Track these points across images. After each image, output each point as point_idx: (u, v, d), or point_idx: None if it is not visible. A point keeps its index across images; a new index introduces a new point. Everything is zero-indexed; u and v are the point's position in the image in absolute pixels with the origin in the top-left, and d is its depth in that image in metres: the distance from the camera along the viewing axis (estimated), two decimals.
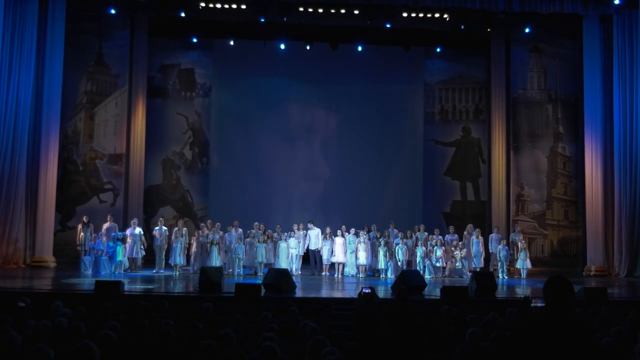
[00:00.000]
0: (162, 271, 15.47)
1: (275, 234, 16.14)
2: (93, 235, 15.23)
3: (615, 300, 11.21)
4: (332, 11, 17.32)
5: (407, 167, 19.96)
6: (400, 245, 15.88)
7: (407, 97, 20.15)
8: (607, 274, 16.57)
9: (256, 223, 16.63)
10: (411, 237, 16.36)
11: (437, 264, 15.87)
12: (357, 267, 15.99)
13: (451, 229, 17.06)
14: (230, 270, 15.57)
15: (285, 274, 12.25)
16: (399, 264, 15.67)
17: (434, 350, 6.39)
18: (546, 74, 18.50)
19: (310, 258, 16.43)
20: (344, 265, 16.10)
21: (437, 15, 17.63)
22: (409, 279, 11.87)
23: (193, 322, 6.28)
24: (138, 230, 15.63)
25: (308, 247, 16.32)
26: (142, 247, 15.65)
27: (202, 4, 17.22)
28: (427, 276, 14.95)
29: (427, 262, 15.82)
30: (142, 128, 18.25)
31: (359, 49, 19.38)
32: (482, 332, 6.04)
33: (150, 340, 5.37)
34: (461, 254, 15.98)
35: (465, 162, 20.18)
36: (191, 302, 9.96)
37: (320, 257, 16.26)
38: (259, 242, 15.76)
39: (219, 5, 17.20)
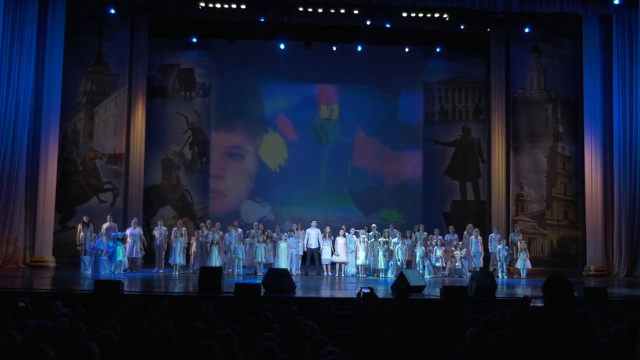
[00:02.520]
0: (161, 271, 15.48)
1: (274, 234, 16.14)
2: (93, 235, 15.22)
3: (615, 300, 11.22)
4: (332, 11, 17.31)
5: (406, 166, 19.97)
6: (399, 245, 15.88)
7: (406, 97, 20.15)
8: (606, 274, 16.59)
9: (256, 223, 16.67)
10: (411, 237, 16.37)
11: (437, 264, 15.87)
12: (357, 267, 16.01)
13: (451, 228, 17.07)
14: (230, 270, 15.56)
15: (285, 273, 12.24)
16: (398, 263, 15.67)
17: (434, 350, 6.39)
18: (546, 74, 18.50)
19: (307, 257, 16.44)
20: (345, 265, 16.13)
21: (436, 15, 17.61)
22: (408, 279, 11.87)
23: (193, 322, 6.27)
24: (138, 230, 15.63)
25: (306, 246, 16.33)
26: (142, 247, 15.66)
27: (202, 4, 17.21)
28: (426, 276, 14.97)
29: (427, 262, 15.83)
30: (142, 128, 18.25)
31: (359, 48, 19.40)
32: (482, 332, 6.04)
33: (150, 340, 5.36)
34: (461, 253, 15.98)
35: (465, 162, 20.18)
36: (191, 302, 9.96)
37: (319, 256, 16.27)
38: (258, 242, 15.76)
39: (218, 5, 17.19)
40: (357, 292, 9.89)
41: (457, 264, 15.97)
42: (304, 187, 19.55)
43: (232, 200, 19.58)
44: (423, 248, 15.89)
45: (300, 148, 19.80)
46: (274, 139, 19.82)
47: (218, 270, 12.28)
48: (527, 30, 17.99)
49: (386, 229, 16.49)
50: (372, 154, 19.86)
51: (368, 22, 17.43)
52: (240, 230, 16.29)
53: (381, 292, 11.54)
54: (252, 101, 19.69)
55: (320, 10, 17.27)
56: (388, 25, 17.54)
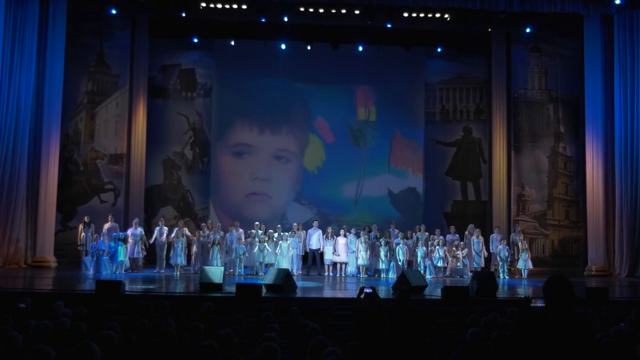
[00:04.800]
0: (163, 271, 15.49)
1: (275, 234, 16.15)
2: (94, 236, 15.24)
3: (616, 300, 11.21)
4: (333, 11, 17.31)
5: (408, 166, 19.96)
6: (400, 245, 15.88)
7: (407, 97, 20.13)
8: (607, 274, 16.57)
9: (257, 223, 16.66)
10: (412, 237, 16.37)
11: (439, 264, 15.88)
12: (358, 267, 16.01)
13: (452, 229, 17.06)
14: (231, 270, 15.58)
15: (286, 274, 12.24)
16: (400, 264, 15.68)
17: (435, 350, 6.40)
18: (547, 74, 18.48)
19: (309, 257, 16.44)
20: (346, 265, 16.14)
21: (437, 15, 17.60)
22: (409, 279, 11.88)
23: (194, 322, 6.28)
24: (139, 230, 15.65)
25: (308, 246, 16.33)
26: (143, 247, 15.67)
27: (203, 4, 17.22)
28: (427, 276, 14.97)
29: (428, 262, 15.84)
30: (143, 128, 18.25)
31: (360, 49, 19.37)
32: (483, 332, 6.04)
33: (151, 340, 5.37)
34: (462, 254, 15.98)
35: (466, 162, 20.16)
36: (192, 302, 9.96)
37: (321, 256, 16.27)
38: (259, 242, 15.78)
39: (219, 5, 17.20)
40: (358, 288, 9.88)
41: (458, 264, 15.97)
42: (343, 189, 19.52)
43: (277, 203, 19.51)
44: (424, 248, 15.90)
45: (298, 147, 19.78)
46: (274, 138, 19.78)
47: (219, 271, 12.24)
48: (528, 30, 17.96)
49: (387, 230, 16.50)
50: (372, 154, 19.84)
51: (369, 22, 17.42)
52: (241, 230, 16.31)
53: (382, 293, 11.53)
54: (252, 101, 19.63)
55: (321, 11, 17.26)
56: (389, 26, 17.52)
